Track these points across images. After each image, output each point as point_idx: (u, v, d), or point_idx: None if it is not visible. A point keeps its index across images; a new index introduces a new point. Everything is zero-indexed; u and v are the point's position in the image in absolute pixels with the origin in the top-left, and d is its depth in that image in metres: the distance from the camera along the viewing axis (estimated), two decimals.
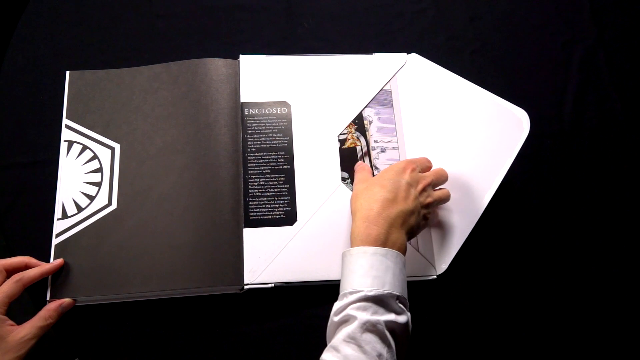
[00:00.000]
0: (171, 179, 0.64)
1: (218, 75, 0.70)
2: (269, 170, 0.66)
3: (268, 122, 0.68)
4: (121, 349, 0.60)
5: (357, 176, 0.63)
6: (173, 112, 0.68)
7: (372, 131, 0.68)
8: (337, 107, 0.70)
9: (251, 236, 0.63)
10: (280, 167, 0.66)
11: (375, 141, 0.68)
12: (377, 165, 0.67)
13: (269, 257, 0.62)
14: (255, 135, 0.68)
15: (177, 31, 0.75)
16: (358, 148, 0.68)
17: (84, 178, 0.64)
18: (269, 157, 0.67)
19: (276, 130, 0.68)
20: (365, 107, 0.69)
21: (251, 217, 0.64)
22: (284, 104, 0.70)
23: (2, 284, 0.54)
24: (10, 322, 0.52)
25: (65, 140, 0.65)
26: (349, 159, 0.67)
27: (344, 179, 0.66)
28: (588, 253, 0.67)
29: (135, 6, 0.77)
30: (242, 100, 0.69)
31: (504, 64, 0.77)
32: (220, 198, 0.63)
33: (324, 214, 0.64)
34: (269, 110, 0.69)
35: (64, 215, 0.62)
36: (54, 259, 0.60)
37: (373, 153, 0.68)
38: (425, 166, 0.62)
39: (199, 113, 0.67)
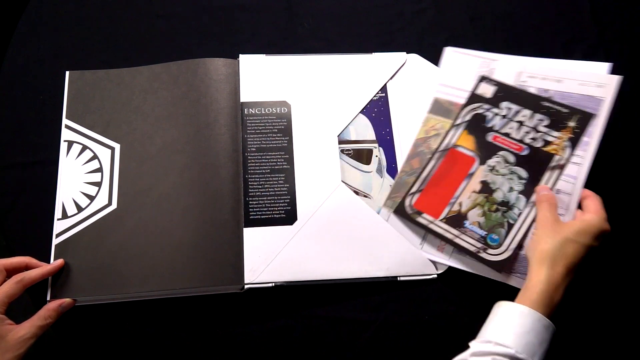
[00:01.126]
0: (171, 178, 0.64)
1: (218, 75, 0.70)
2: (269, 170, 0.66)
3: (268, 122, 0.68)
4: (121, 349, 0.60)
5: (543, 211, 0.57)
6: (173, 112, 0.68)
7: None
8: (337, 107, 0.70)
9: (251, 236, 0.63)
10: (280, 166, 0.66)
11: None
12: None
13: (269, 257, 0.62)
14: (255, 135, 0.68)
15: (177, 31, 0.75)
16: (556, 157, 0.60)
17: (84, 178, 0.64)
18: (269, 156, 0.67)
19: (276, 130, 0.68)
20: None
21: (251, 217, 0.64)
22: (284, 103, 0.70)
23: (2, 284, 0.54)
24: (10, 321, 0.52)
25: (65, 140, 0.65)
26: (538, 163, 0.61)
27: (520, 177, 0.60)
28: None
29: (135, 6, 0.77)
30: (242, 100, 0.69)
31: None
32: (220, 198, 0.63)
33: (324, 214, 0.64)
34: (268, 110, 0.69)
35: (64, 216, 0.62)
36: (54, 259, 0.60)
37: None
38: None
39: (198, 113, 0.67)
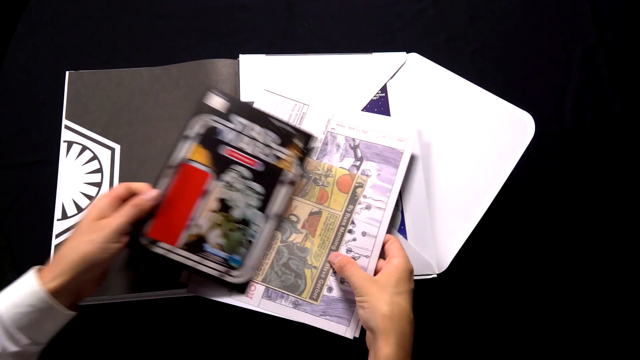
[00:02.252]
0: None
1: (218, 76, 0.70)
2: None
3: None
4: (121, 349, 0.60)
5: (355, 271, 0.56)
6: (173, 113, 0.67)
7: (367, 186, 0.63)
8: (337, 107, 0.70)
9: None
10: None
11: (364, 196, 0.63)
12: (354, 220, 0.62)
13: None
14: None
15: (177, 31, 0.75)
16: (286, 173, 0.61)
17: (84, 178, 0.64)
18: None
19: None
20: (369, 160, 0.65)
21: None
22: None
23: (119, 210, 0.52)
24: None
25: (65, 141, 0.65)
26: (271, 178, 0.61)
27: (255, 192, 0.59)
28: (588, 252, 0.67)
29: (135, 6, 0.77)
30: (242, 100, 0.69)
31: (504, 64, 0.77)
32: None
33: None
34: None
35: (64, 216, 0.62)
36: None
37: (357, 207, 0.62)
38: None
39: None
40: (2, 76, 0.71)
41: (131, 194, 0.54)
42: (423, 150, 0.68)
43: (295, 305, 0.59)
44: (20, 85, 0.71)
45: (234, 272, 0.59)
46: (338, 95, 0.71)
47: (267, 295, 0.59)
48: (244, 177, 0.60)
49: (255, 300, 0.59)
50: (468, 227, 0.61)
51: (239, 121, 0.61)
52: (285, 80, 0.71)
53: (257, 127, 0.61)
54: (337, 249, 0.61)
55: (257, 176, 0.60)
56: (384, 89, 0.72)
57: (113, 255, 0.50)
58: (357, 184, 0.63)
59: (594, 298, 0.65)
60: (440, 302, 0.64)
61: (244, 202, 0.59)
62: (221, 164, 0.60)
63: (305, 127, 0.66)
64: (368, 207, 0.62)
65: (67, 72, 0.69)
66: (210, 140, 0.60)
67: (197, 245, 0.57)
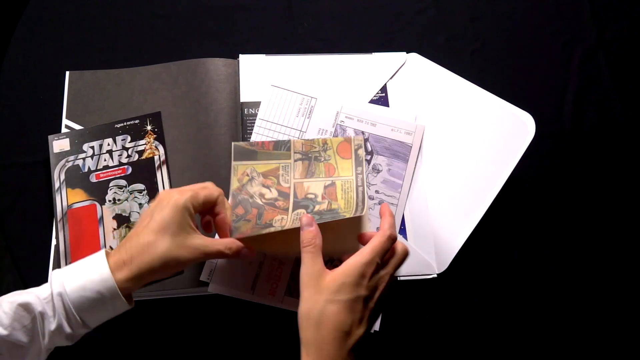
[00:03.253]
0: (171, 178, 0.64)
1: (218, 75, 0.70)
2: None
3: None
4: (121, 348, 0.60)
5: (309, 260, 0.48)
6: (173, 112, 0.67)
7: (377, 181, 0.65)
8: (345, 99, 0.70)
9: None
10: None
11: (377, 192, 0.64)
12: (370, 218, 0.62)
13: None
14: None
15: (177, 31, 0.75)
16: (156, 158, 0.64)
17: None
18: None
19: None
20: (379, 154, 0.65)
21: None
22: None
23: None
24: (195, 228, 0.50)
25: None
26: (147, 171, 0.64)
27: (139, 191, 0.62)
28: (588, 252, 0.67)
29: (135, 6, 0.77)
30: (241, 100, 0.69)
31: (504, 64, 0.77)
32: None
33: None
34: None
35: None
36: (54, 260, 0.60)
37: (370, 203, 0.63)
38: (388, 246, 0.50)
39: (198, 113, 0.67)
40: (2, 76, 0.71)
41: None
42: (423, 150, 0.68)
43: None
44: (20, 85, 0.71)
45: None
46: (338, 95, 0.71)
47: (289, 293, 0.60)
48: (122, 187, 0.63)
49: (277, 298, 0.60)
50: (468, 227, 0.61)
51: (88, 147, 0.64)
52: (285, 80, 0.71)
53: (107, 140, 0.65)
54: (363, 204, 0.59)
55: (133, 178, 0.63)
56: (384, 89, 0.72)
57: (195, 260, 0.49)
58: (356, 146, 0.64)
59: (594, 298, 0.65)
60: (440, 302, 0.64)
61: (135, 205, 0.62)
62: (98, 190, 0.63)
63: (315, 120, 0.67)
64: (382, 202, 0.63)
65: (67, 72, 0.69)
66: (76, 178, 0.63)
67: None
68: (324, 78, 0.72)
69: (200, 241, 0.49)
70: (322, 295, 0.46)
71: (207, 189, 0.53)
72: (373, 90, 0.71)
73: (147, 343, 0.60)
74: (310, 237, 0.49)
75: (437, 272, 0.63)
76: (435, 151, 0.68)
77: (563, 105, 0.75)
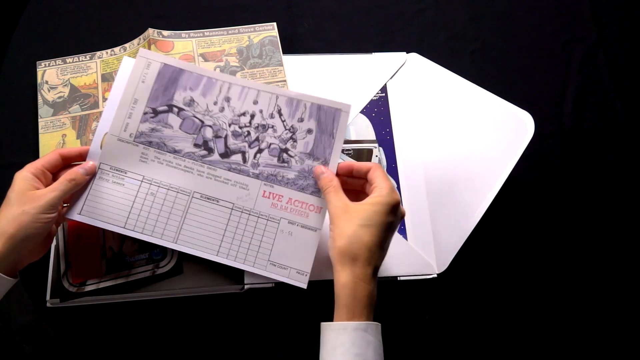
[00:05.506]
0: None
1: None
2: None
3: None
4: (121, 349, 0.60)
5: (333, 197, 0.54)
6: None
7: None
8: None
9: None
10: None
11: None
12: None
13: None
14: None
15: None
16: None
17: None
18: None
19: None
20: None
21: None
22: None
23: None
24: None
25: None
26: None
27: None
28: (588, 252, 0.67)
29: (135, 6, 0.77)
30: None
31: (504, 64, 0.77)
32: None
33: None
34: None
35: None
36: (54, 260, 0.60)
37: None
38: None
39: None
40: (2, 76, 0.71)
41: (66, 160, 0.55)
42: (423, 150, 0.68)
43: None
44: (20, 85, 0.70)
45: (161, 263, 0.60)
46: (338, 95, 0.71)
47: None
48: None
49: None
50: (468, 227, 0.61)
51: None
52: (289, 79, 0.71)
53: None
54: None
55: None
56: (384, 89, 0.72)
57: (47, 225, 0.51)
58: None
59: (594, 298, 0.65)
60: (440, 302, 0.64)
61: None
62: None
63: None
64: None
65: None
66: None
67: (119, 263, 0.59)
68: (324, 78, 0.72)
69: (44, 190, 0.51)
70: (353, 223, 0.50)
71: (72, 182, 0.54)
72: (373, 90, 0.71)
73: (147, 343, 0.60)
74: (328, 180, 0.55)
75: (437, 272, 0.63)
76: (435, 151, 0.68)
77: (563, 105, 0.75)
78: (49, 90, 0.67)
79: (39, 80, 0.68)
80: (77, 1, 0.76)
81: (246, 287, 0.60)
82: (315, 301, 0.62)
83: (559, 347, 0.63)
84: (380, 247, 0.51)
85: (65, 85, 0.67)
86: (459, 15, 0.80)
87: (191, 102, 0.60)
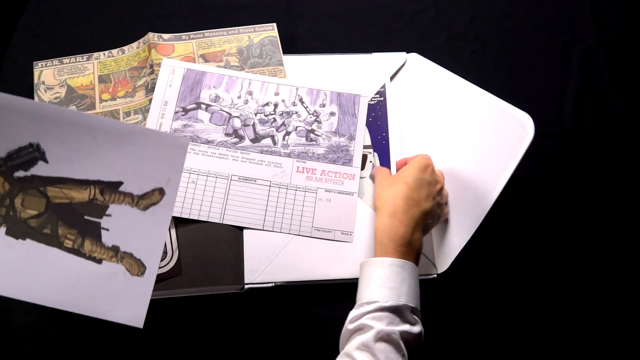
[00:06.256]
0: None
1: None
2: None
3: None
4: (121, 349, 0.60)
5: (378, 175, 0.63)
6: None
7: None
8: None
9: (251, 236, 0.63)
10: None
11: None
12: None
13: (269, 257, 0.62)
14: None
15: (177, 31, 0.75)
16: None
17: None
18: None
19: None
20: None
21: None
22: None
23: None
24: None
25: None
26: None
27: None
28: (588, 252, 0.67)
29: (134, 6, 0.77)
30: None
31: (504, 64, 0.77)
32: None
33: None
34: None
35: None
36: None
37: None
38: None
39: None
40: (2, 76, 0.71)
41: None
42: (423, 151, 0.68)
43: None
44: (20, 85, 0.70)
45: (161, 263, 0.60)
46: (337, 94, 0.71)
47: None
48: None
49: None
50: (469, 229, 0.61)
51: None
52: (289, 78, 0.71)
53: None
54: None
55: None
56: (382, 94, 0.72)
57: None
58: None
59: (594, 298, 0.65)
60: (441, 302, 0.64)
61: None
62: None
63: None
64: None
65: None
66: None
67: None
68: (324, 78, 0.72)
69: None
70: (388, 179, 0.59)
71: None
72: (373, 90, 0.71)
73: (147, 343, 0.60)
74: (375, 169, 0.65)
75: (438, 273, 0.63)
76: (435, 152, 0.67)
77: (563, 105, 0.75)
78: (45, 91, 0.67)
79: (35, 80, 0.68)
80: (77, 1, 0.76)
81: (246, 287, 0.61)
82: (316, 301, 0.62)
83: (559, 347, 0.63)
84: (409, 198, 0.55)
85: (61, 86, 0.67)
86: (459, 16, 0.80)
87: (217, 98, 0.66)
